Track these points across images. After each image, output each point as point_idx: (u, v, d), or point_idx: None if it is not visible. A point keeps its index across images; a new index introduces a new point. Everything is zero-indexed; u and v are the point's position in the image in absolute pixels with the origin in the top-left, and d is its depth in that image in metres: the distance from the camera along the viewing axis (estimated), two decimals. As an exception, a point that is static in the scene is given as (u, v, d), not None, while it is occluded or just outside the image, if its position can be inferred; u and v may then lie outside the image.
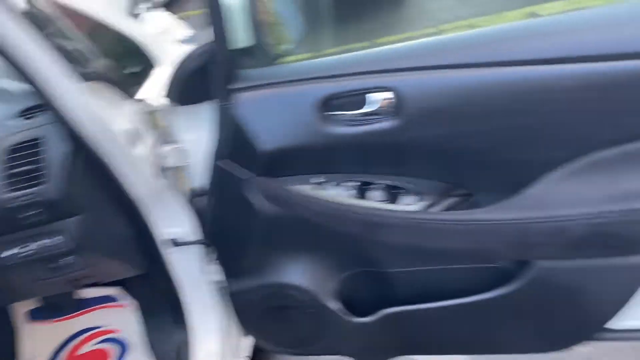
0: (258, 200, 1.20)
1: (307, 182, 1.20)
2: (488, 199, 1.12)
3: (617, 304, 1.19)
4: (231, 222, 1.28)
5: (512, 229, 1.10)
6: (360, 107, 1.10)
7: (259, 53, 1.24)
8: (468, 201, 1.16)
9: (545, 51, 1.01)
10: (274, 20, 1.43)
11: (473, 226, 1.12)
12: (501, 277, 1.18)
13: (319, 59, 1.17)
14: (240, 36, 1.16)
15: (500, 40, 1.06)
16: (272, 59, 1.30)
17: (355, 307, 1.29)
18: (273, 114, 1.14)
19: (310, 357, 1.62)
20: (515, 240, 1.11)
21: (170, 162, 1.32)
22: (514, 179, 1.10)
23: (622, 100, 1.00)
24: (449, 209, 1.18)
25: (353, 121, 1.10)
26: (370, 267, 1.25)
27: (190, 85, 1.19)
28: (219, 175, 1.22)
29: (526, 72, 1.02)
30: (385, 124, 1.08)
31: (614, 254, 1.11)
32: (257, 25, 1.21)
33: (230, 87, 1.13)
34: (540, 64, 1.01)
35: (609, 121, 1.02)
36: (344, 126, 1.11)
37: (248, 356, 1.65)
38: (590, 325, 1.24)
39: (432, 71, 1.06)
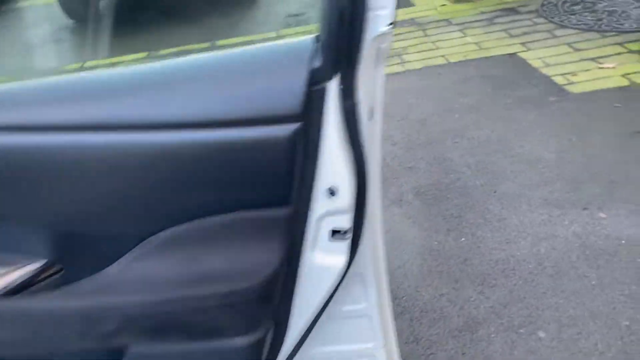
0: None
1: None
2: (80, 276, 0.97)
3: None
4: None
5: (79, 316, 0.96)
6: None
7: None
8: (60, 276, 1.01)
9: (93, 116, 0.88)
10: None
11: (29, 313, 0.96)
12: None
13: None
14: None
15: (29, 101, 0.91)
16: None
17: None
18: None
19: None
20: (83, 329, 0.97)
21: None
22: (93, 256, 0.96)
23: (185, 172, 0.89)
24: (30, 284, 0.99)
25: None
26: None
27: None
28: None
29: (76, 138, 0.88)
30: None
31: (193, 340, 1.00)
32: None
33: None
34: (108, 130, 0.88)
35: (178, 195, 0.91)
36: None
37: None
38: None
39: None
